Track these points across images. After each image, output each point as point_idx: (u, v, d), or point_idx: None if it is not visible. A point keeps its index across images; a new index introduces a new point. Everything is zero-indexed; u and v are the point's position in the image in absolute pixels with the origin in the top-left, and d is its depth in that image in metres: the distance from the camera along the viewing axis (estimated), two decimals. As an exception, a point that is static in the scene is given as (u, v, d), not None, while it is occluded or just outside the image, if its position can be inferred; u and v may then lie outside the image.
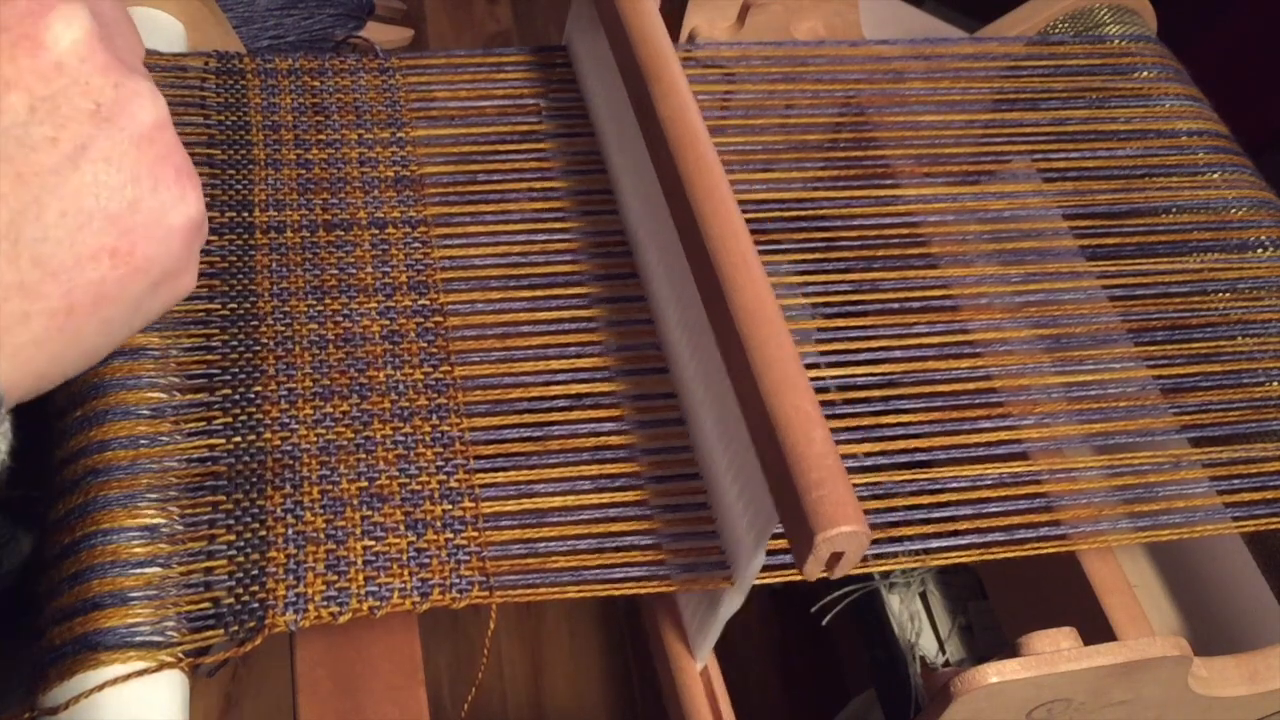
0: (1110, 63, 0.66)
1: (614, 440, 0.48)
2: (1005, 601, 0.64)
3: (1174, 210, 0.60)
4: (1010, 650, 0.45)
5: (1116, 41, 0.67)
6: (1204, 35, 1.18)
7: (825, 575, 0.39)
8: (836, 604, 0.65)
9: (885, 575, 0.66)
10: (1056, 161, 0.61)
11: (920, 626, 0.65)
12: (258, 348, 0.48)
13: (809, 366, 0.49)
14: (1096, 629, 0.52)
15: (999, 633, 0.65)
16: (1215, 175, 0.62)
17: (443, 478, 0.45)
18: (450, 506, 0.45)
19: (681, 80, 0.49)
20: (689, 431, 0.48)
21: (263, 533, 0.43)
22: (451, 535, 0.44)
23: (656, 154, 0.48)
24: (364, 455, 0.46)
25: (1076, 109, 0.64)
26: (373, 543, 0.43)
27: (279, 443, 0.45)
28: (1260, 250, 0.58)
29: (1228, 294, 0.57)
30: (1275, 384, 0.54)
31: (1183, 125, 0.63)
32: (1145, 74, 0.66)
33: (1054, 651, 0.45)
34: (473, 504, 0.45)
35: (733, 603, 0.45)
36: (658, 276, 0.51)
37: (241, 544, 0.43)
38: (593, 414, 0.48)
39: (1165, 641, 0.46)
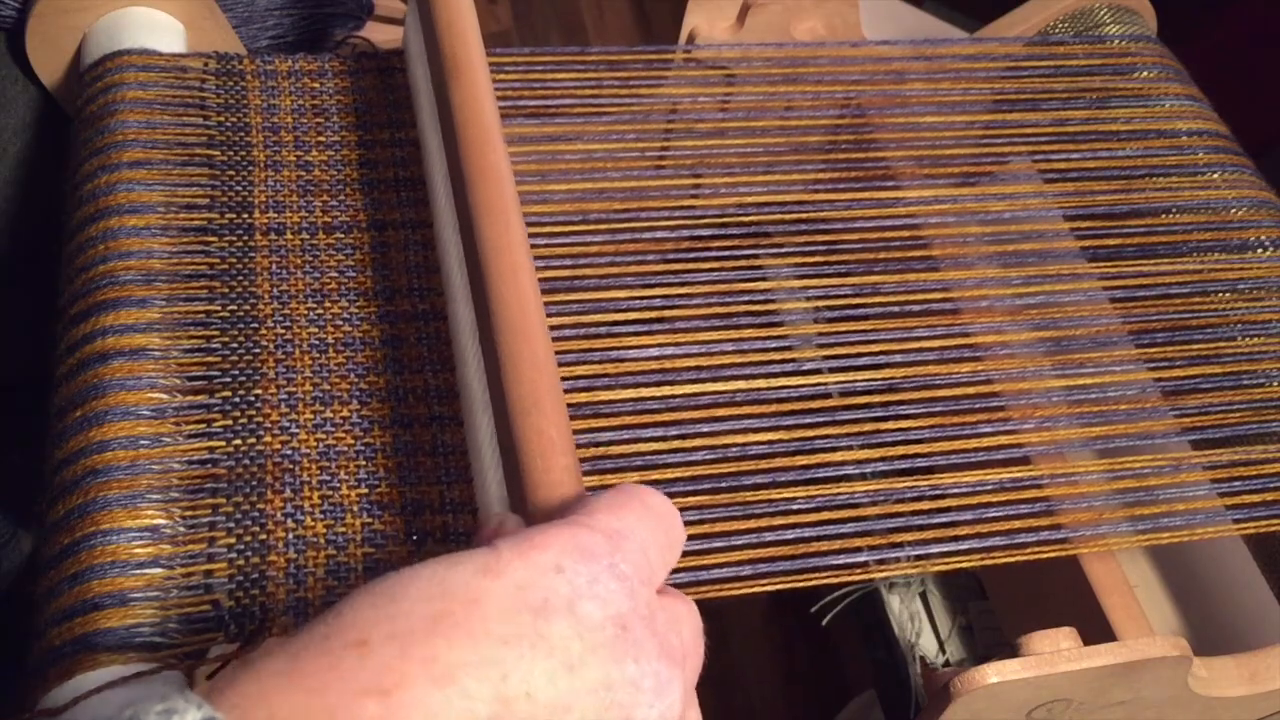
0: (1110, 63, 0.66)
1: (613, 450, 0.47)
2: (1005, 601, 0.64)
3: (1174, 211, 0.60)
4: (1010, 650, 0.45)
5: (1116, 41, 0.67)
6: (1204, 35, 1.18)
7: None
8: (836, 604, 0.65)
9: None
10: (1057, 162, 0.61)
11: (920, 626, 0.65)
12: (258, 350, 0.48)
13: (810, 372, 0.50)
14: (1096, 629, 0.52)
15: (999, 633, 0.65)
16: (1215, 175, 0.61)
17: (443, 488, 0.45)
18: (450, 518, 0.45)
19: (484, 86, 0.49)
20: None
21: (263, 536, 0.43)
22: (454, 546, 0.44)
23: (450, 157, 0.47)
24: (365, 462, 0.45)
25: (1077, 109, 0.64)
26: (373, 550, 0.43)
27: (279, 446, 0.45)
28: (1261, 250, 0.58)
29: (1228, 294, 0.57)
30: (1276, 385, 0.54)
31: (1183, 125, 0.63)
32: (1145, 74, 0.65)
33: (1054, 651, 0.45)
34: (470, 517, 0.45)
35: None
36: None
37: (242, 547, 0.43)
38: (592, 423, 0.48)
39: (1165, 641, 0.46)
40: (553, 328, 0.50)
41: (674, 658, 0.30)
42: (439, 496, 0.45)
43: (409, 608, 0.28)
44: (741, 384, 0.49)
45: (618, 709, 0.28)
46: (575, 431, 0.47)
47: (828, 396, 0.50)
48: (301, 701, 0.26)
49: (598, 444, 0.47)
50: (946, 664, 0.65)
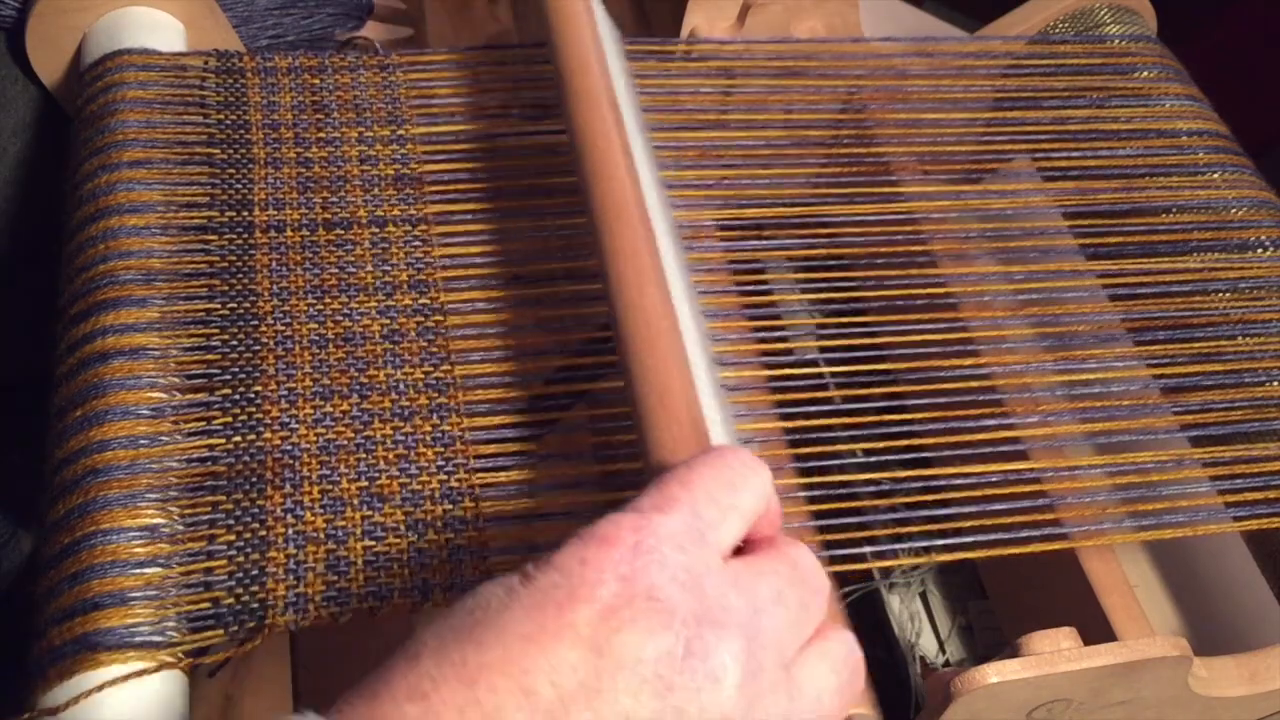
0: (1110, 62, 0.66)
1: (615, 439, 0.47)
2: (1005, 601, 0.64)
3: (1174, 210, 0.60)
4: (1010, 650, 0.45)
5: (1116, 41, 0.67)
6: (1204, 35, 1.18)
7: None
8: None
9: (885, 575, 0.66)
10: (1057, 161, 0.61)
11: (920, 626, 0.65)
12: (258, 347, 0.48)
13: (808, 363, 0.50)
14: (1096, 629, 0.52)
15: (999, 633, 0.65)
16: (1215, 175, 0.62)
17: (443, 478, 0.45)
18: (451, 507, 0.45)
19: (597, 82, 0.49)
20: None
21: (263, 533, 0.43)
22: (452, 535, 0.44)
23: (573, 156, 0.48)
24: (364, 455, 0.45)
25: (1077, 108, 0.64)
26: (373, 543, 0.43)
27: (279, 442, 0.45)
28: (1260, 250, 0.58)
29: (1228, 294, 0.57)
30: (1276, 383, 0.54)
31: (1183, 125, 0.63)
32: (1145, 74, 0.66)
33: (1054, 651, 0.45)
34: (473, 504, 0.45)
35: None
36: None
37: (241, 544, 0.43)
38: (594, 412, 0.48)
39: (1165, 641, 0.46)
40: (553, 320, 0.50)
41: (718, 622, 0.31)
42: (439, 486, 0.45)
43: (454, 622, 0.30)
44: (744, 375, 0.49)
45: (656, 680, 0.29)
46: (578, 421, 0.48)
47: (828, 389, 0.50)
48: (365, 712, 0.28)
49: (600, 432, 0.47)
50: (946, 664, 0.65)
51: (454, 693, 0.28)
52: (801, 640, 0.33)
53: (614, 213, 0.45)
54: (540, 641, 0.29)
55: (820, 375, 0.52)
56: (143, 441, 0.44)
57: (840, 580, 0.63)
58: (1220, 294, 0.57)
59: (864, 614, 0.67)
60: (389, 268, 0.51)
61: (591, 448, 0.47)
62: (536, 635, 0.29)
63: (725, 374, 0.49)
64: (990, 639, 0.66)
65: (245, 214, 0.52)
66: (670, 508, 0.32)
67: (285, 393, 0.47)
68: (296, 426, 0.46)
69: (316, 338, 0.48)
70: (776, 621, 0.32)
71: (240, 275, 0.50)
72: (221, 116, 0.55)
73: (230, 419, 0.46)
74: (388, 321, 0.50)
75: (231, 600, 0.41)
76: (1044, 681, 0.45)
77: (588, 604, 0.29)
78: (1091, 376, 0.53)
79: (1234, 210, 0.60)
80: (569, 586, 0.30)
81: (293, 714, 0.28)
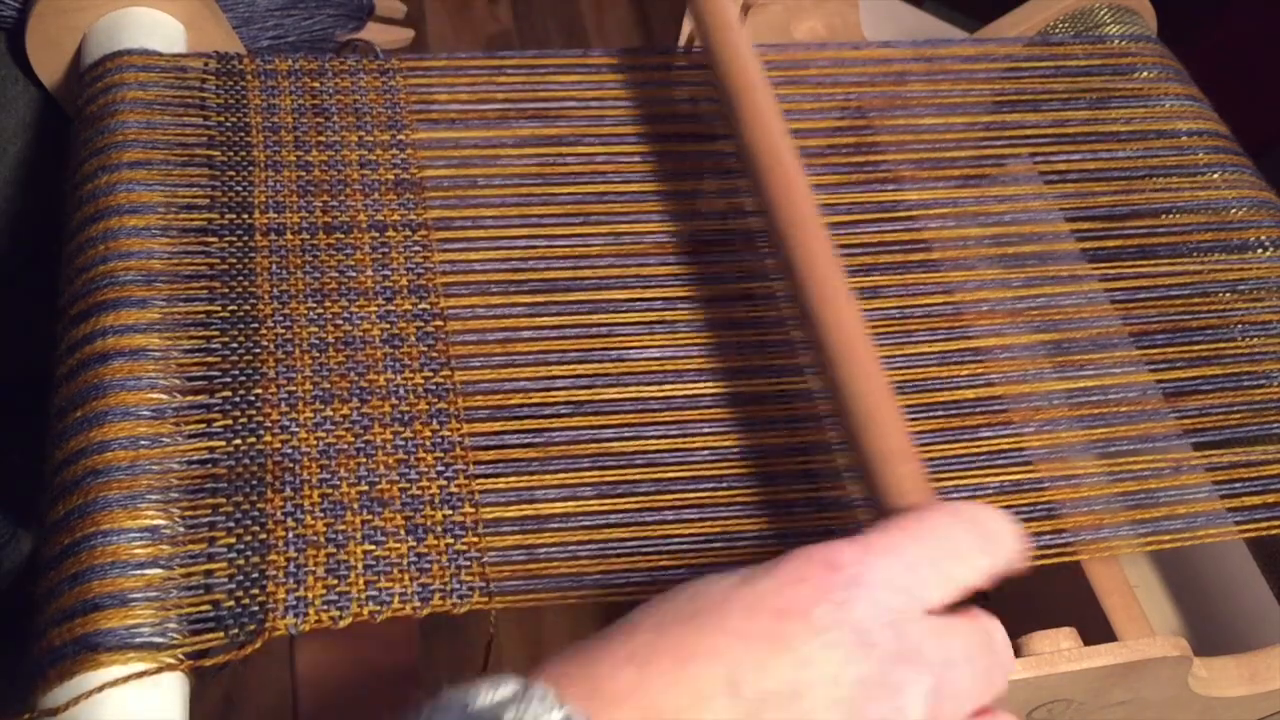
0: (1110, 63, 0.66)
1: (615, 447, 0.48)
2: (1005, 602, 0.64)
3: (1175, 211, 0.60)
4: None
5: (1116, 41, 0.67)
6: (1204, 35, 1.18)
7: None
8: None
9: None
10: (1058, 163, 0.61)
11: (920, 627, 0.65)
12: (258, 350, 0.48)
13: (812, 372, 0.49)
14: (1097, 629, 0.52)
15: (999, 633, 0.65)
16: (1215, 175, 0.61)
17: (443, 483, 0.45)
18: (450, 512, 0.45)
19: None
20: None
21: (263, 536, 0.43)
22: (452, 541, 0.44)
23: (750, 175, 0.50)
24: (364, 459, 0.46)
25: (1077, 110, 0.64)
26: (373, 547, 0.43)
27: (279, 445, 0.45)
28: (1261, 250, 0.58)
29: (1229, 295, 0.57)
30: (1277, 386, 0.54)
31: (1183, 125, 0.63)
32: (1145, 74, 0.65)
33: (1054, 652, 0.45)
34: (473, 509, 0.45)
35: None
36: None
37: (242, 547, 0.43)
38: (593, 420, 0.48)
39: (1165, 641, 0.46)
40: (554, 327, 0.50)
41: (912, 662, 0.32)
42: (439, 491, 0.45)
43: (674, 606, 0.33)
44: (743, 385, 0.49)
45: (848, 702, 0.31)
46: (578, 429, 0.48)
47: (829, 398, 0.50)
48: (576, 670, 0.31)
49: (599, 440, 0.47)
50: (946, 664, 0.65)
51: (668, 667, 0.30)
52: (978, 704, 0.34)
53: (812, 266, 0.46)
54: (752, 642, 0.31)
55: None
56: (143, 442, 0.44)
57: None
58: (1220, 295, 0.57)
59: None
60: (389, 272, 0.51)
61: (591, 456, 0.47)
62: (750, 636, 0.31)
63: (728, 386, 0.49)
64: (990, 639, 0.65)
65: (245, 217, 0.52)
66: (893, 553, 0.34)
67: (285, 396, 0.47)
68: (297, 430, 0.46)
69: (316, 341, 0.48)
70: (963, 678, 0.33)
71: (240, 278, 0.50)
72: (222, 119, 0.55)
73: (230, 421, 0.46)
74: (387, 326, 0.50)
75: (232, 603, 0.41)
76: (1044, 681, 0.45)
77: (802, 620, 0.31)
78: (1092, 383, 0.53)
79: (1234, 210, 0.60)
80: (786, 598, 0.32)
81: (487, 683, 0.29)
